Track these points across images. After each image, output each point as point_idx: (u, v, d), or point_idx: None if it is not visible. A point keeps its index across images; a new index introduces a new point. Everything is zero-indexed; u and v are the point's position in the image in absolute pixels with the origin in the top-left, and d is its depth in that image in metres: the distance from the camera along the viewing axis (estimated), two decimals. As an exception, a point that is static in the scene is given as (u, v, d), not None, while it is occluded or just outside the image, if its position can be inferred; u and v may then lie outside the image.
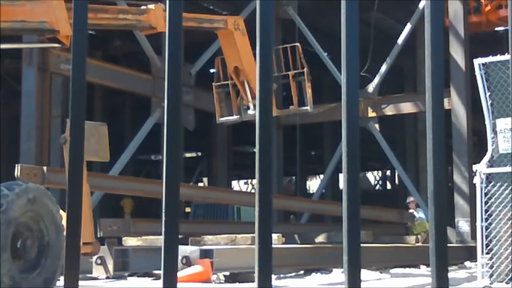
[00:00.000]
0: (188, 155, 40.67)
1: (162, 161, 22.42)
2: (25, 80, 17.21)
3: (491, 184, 8.80)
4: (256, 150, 1.53)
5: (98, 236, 12.52)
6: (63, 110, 20.45)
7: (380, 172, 51.44)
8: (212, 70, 28.31)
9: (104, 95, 29.65)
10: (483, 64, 8.97)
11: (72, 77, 1.69)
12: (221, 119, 14.94)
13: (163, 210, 1.53)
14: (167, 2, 1.56)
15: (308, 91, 14.81)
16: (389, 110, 23.26)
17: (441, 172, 1.46)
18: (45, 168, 9.68)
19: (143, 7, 11.65)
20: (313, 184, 48.71)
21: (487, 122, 8.97)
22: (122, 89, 21.87)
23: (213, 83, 15.30)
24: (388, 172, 48.34)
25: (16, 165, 10.61)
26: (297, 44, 15.82)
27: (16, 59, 18.52)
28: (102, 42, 26.65)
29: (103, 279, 12.44)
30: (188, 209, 29.45)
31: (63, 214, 7.81)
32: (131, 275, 13.06)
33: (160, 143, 21.00)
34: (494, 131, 8.88)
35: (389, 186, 49.02)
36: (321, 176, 33.30)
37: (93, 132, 9.60)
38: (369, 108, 23.02)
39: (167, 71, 1.55)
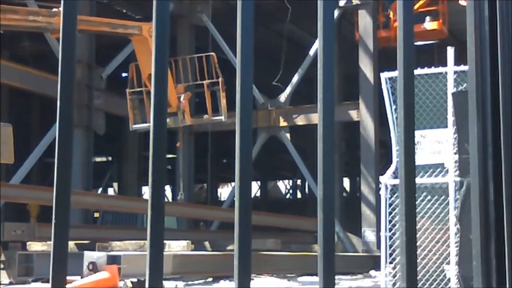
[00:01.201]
0: (98, 159, 40.02)
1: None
2: None
3: (396, 195, 9.02)
4: (150, 154, 1.53)
5: (2, 240, 12.17)
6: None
7: (291, 181, 51.99)
8: (124, 74, 28.02)
9: (11, 96, 28.86)
10: (389, 78, 9.21)
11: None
12: (135, 126, 14.81)
13: (53, 214, 1.51)
14: (62, 1, 1.53)
15: (223, 101, 14.88)
16: (300, 120, 23.55)
17: (330, 179, 1.50)
18: None
19: (54, 9, 11.40)
20: (225, 192, 48.80)
21: (392, 134, 9.21)
22: (29, 90, 21.35)
23: (127, 90, 15.15)
24: (299, 182, 48.92)
25: None
26: (212, 53, 15.86)
27: None
28: (10, 42, 25.96)
29: (6, 284, 12.10)
30: (96, 215, 28.97)
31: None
32: (35, 280, 12.75)
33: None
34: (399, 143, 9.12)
35: (299, 195, 49.60)
36: (232, 184, 33.39)
37: (-3, 134, 9.33)
38: (280, 118, 23.26)
39: (60, 73, 1.53)
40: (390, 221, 9.19)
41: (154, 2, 1.51)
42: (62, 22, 1.50)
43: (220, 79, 14.79)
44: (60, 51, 1.52)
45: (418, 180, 8.77)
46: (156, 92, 1.47)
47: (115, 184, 41.60)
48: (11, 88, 25.63)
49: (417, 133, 9.05)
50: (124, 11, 26.27)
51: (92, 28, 12.79)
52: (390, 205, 9.18)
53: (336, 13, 23.23)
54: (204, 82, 15.28)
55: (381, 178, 9.31)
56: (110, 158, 41.95)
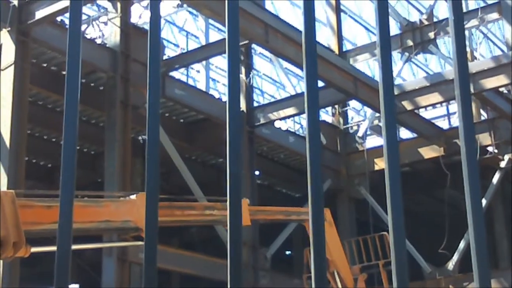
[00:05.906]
0: None
1: None
2: (105, 271, 17.51)
3: None
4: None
5: None
6: (141, 299, 20.51)
7: None
8: (287, 252, 28.29)
9: (182, 282, 29.73)
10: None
11: (144, 264, 1.80)
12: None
13: None
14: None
15: (398, 280, 14.57)
16: (471, 288, 22.52)
17: None
18: None
19: (228, 202, 11.64)
20: None
21: None
22: (199, 275, 21.94)
23: (303, 275, 15.39)
24: None
25: None
26: (385, 233, 15.86)
27: (96, 250, 19.00)
28: (179, 229, 27.13)
29: None
30: None
31: None
32: None
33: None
34: None
35: None
36: None
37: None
38: (450, 287, 22.39)
39: (229, 259, 1.64)
40: None
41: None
42: (228, 213, 1.63)
43: (394, 258, 14.61)
44: (228, 244, 1.65)
45: None
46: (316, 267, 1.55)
47: None
48: (181, 275, 26.50)
49: None
50: (284, 191, 27.00)
51: (268, 217, 13.17)
52: None
53: (497, 175, 22.75)
54: (379, 262, 15.22)
55: None
56: None
